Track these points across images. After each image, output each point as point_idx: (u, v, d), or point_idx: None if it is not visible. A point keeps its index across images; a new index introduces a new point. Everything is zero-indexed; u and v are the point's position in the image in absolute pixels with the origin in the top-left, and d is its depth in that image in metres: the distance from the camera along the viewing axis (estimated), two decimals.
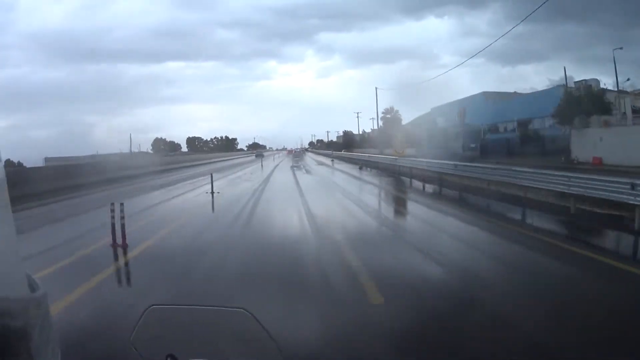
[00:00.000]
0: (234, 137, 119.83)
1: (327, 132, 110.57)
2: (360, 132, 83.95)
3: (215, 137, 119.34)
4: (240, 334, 1.84)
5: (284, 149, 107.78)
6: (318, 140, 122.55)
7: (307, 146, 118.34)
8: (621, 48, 34.07)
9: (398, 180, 23.27)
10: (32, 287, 0.65)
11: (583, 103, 30.44)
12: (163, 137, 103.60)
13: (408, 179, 22.87)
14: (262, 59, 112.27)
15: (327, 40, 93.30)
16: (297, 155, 67.86)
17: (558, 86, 37.77)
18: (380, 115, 61.92)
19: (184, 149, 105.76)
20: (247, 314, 1.69)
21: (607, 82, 40.73)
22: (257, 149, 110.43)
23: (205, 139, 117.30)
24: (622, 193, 9.48)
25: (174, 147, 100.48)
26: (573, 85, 36.33)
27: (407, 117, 61.17)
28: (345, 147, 76.57)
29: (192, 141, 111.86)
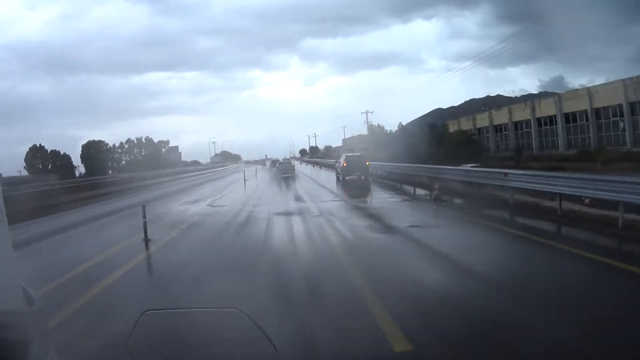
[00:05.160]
0: (166, 139, 65.75)
1: (361, 115, 55.63)
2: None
3: (128, 140, 62.46)
4: (236, 334, 1.82)
5: (267, 159, 68.60)
6: (312, 148, 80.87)
7: (298, 154, 78.98)
8: None
9: None
10: (29, 300, 0.64)
11: None
12: (41, 145, 55.76)
13: None
14: (246, 68, 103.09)
15: (312, 47, 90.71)
16: (282, 169, 35.22)
17: None
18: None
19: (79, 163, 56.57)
20: (241, 314, 1.68)
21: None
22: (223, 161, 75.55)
23: (111, 145, 61.76)
24: None
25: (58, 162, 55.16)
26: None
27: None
28: None
29: (91, 148, 58.38)
